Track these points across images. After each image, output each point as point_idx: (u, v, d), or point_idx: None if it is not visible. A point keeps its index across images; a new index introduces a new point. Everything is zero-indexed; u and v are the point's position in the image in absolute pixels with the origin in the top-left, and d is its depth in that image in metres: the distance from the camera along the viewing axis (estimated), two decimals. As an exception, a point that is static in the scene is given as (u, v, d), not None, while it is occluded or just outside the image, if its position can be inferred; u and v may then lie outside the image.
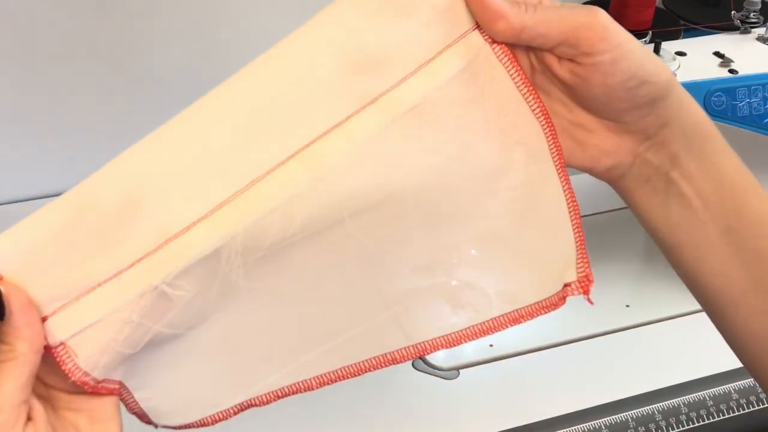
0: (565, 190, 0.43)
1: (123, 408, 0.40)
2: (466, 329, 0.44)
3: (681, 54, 0.75)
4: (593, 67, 0.39)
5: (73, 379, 0.36)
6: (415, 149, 0.40)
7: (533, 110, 0.42)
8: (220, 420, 0.43)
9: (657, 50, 0.72)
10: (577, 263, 0.43)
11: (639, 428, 0.72)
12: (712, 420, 0.73)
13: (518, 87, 0.41)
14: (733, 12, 0.80)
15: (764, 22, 0.79)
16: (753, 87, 0.72)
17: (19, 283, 0.35)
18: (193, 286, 0.38)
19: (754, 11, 0.79)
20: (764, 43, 0.78)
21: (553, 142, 0.42)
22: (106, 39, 0.93)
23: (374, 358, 0.44)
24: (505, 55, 0.41)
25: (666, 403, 0.74)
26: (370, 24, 0.39)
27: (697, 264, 0.43)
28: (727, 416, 0.73)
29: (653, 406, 0.74)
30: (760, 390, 0.74)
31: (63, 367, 0.36)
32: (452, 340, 0.44)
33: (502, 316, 0.44)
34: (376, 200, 0.40)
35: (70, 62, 0.93)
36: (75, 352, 0.36)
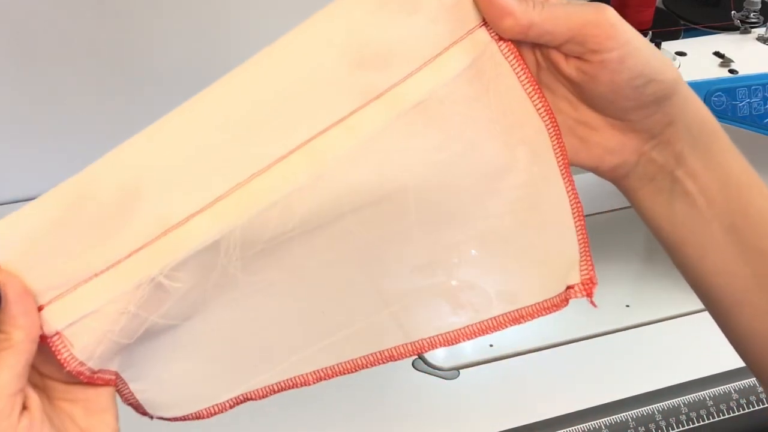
0: (568, 191, 0.43)
1: (119, 400, 0.40)
2: (465, 328, 0.44)
3: (681, 54, 0.75)
4: (600, 65, 0.39)
5: (68, 368, 0.36)
6: (418, 146, 0.40)
7: (538, 109, 0.42)
8: (215, 413, 0.43)
9: (657, 50, 0.72)
10: (581, 265, 0.43)
11: (639, 428, 0.72)
12: (712, 420, 0.73)
13: (523, 85, 0.41)
14: (733, 12, 0.80)
15: (764, 22, 0.79)
16: (753, 87, 0.72)
17: (16, 271, 0.35)
18: (191, 277, 0.38)
19: (754, 11, 0.79)
20: (764, 43, 0.78)
21: (557, 142, 0.42)
22: (106, 39, 0.93)
23: (372, 354, 0.43)
24: (511, 53, 0.41)
25: (666, 403, 0.74)
26: (377, 19, 0.39)
27: (701, 263, 0.43)
28: (727, 416, 0.73)
29: (653, 406, 0.73)
30: (760, 390, 0.74)
31: (58, 357, 0.36)
32: (451, 339, 0.44)
33: (503, 315, 0.43)
34: (377, 197, 0.40)
35: (70, 62, 0.94)
36: (71, 341, 0.36)
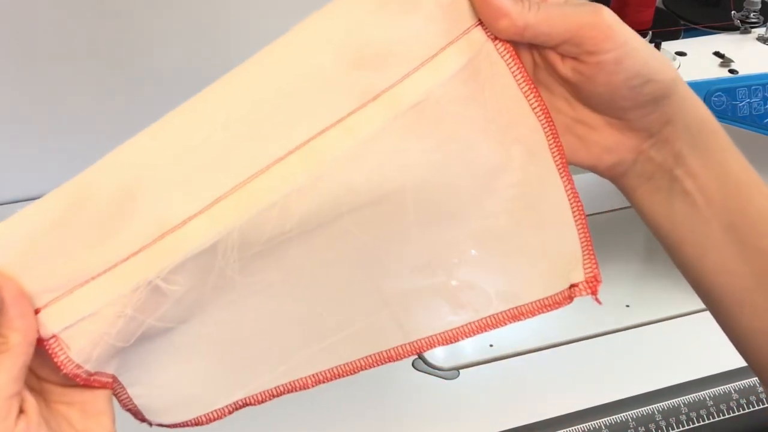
0: (567, 189, 0.43)
1: (117, 405, 0.40)
2: (465, 325, 0.44)
3: (681, 54, 0.75)
4: (597, 66, 0.39)
5: (65, 371, 0.36)
6: (416, 146, 0.40)
7: (533, 108, 0.41)
8: (214, 419, 0.43)
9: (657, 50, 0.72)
10: (584, 263, 0.43)
11: (639, 428, 0.72)
12: (712, 420, 0.73)
13: (519, 85, 0.41)
14: (733, 12, 0.80)
15: (764, 22, 0.79)
16: (753, 87, 0.72)
17: (13, 273, 0.35)
18: (188, 280, 0.38)
19: (754, 11, 0.79)
20: (764, 43, 0.78)
21: (554, 141, 0.42)
22: (106, 39, 0.93)
23: (371, 356, 0.43)
24: (507, 52, 0.41)
25: (666, 403, 0.74)
26: (375, 19, 0.39)
27: (701, 262, 0.43)
28: (727, 416, 0.73)
29: (653, 406, 0.73)
30: (760, 390, 0.74)
31: (55, 360, 0.36)
32: (451, 337, 0.44)
33: (502, 312, 0.43)
34: (375, 197, 0.40)
35: (70, 62, 0.94)
36: (67, 344, 0.36)
